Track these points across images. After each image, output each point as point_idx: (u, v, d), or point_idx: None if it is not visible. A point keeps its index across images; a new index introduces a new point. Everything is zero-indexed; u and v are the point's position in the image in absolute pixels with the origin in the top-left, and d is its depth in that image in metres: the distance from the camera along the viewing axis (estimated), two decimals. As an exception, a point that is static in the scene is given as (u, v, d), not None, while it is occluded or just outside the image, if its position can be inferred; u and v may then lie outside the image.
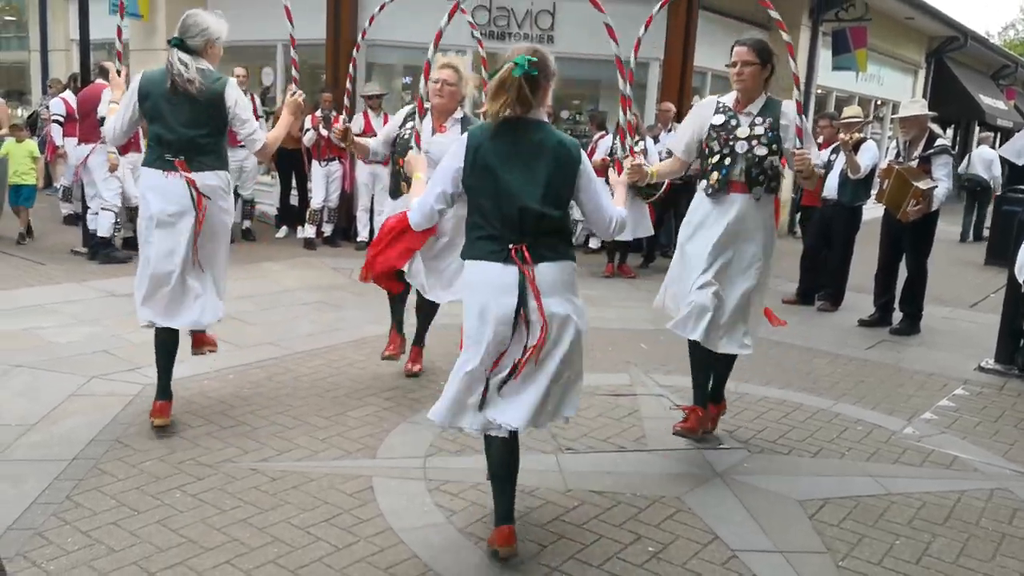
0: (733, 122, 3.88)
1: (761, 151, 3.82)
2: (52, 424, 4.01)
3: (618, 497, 3.56)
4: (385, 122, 9.29)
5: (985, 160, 14.54)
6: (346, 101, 5.34)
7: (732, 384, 5.19)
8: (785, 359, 5.93)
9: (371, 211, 9.49)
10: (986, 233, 13.45)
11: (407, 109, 4.90)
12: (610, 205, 3.07)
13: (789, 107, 3.88)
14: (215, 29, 4.00)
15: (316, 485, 3.53)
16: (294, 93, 4.31)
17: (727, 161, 3.84)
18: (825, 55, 13.27)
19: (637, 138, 8.61)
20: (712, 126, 3.91)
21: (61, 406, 4.24)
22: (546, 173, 2.86)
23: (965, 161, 15.39)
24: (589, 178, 2.95)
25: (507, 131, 2.89)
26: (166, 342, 4.08)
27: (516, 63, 2.80)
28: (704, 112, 4.01)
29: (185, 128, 3.90)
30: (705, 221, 3.94)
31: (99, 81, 8.02)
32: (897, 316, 7.04)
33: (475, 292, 2.90)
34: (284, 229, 10.07)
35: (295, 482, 3.55)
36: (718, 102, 3.98)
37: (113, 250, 8.06)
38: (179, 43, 3.94)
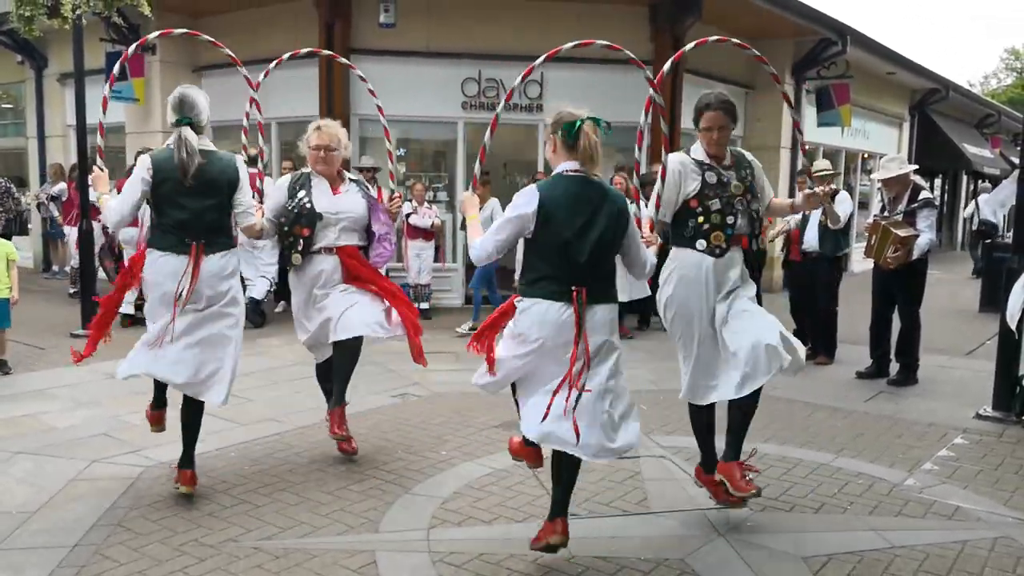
0: (724, 178, 3.84)
1: (756, 204, 3.90)
2: (53, 511, 4.01)
3: (622, 562, 3.55)
4: (379, 195, 9.53)
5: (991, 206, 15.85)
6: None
7: (732, 442, 5.22)
8: (784, 414, 5.95)
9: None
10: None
11: (287, 180, 4.59)
12: (646, 251, 3.65)
13: (753, 157, 4.04)
14: (207, 109, 4.15)
15: (319, 562, 3.53)
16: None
17: (729, 219, 3.79)
18: (810, 112, 13.56)
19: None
20: (707, 184, 3.80)
21: (62, 492, 4.24)
22: (605, 223, 3.34)
23: (972, 206, 16.88)
24: (634, 227, 3.52)
25: (573, 185, 3.34)
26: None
27: (596, 122, 3.33)
28: (685, 172, 3.83)
29: (205, 211, 4.04)
30: (706, 289, 3.80)
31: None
32: (894, 367, 7.07)
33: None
34: (282, 304, 10.15)
35: (298, 559, 3.54)
36: (694, 160, 3.86)
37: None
38: (189, 122, 4.01)
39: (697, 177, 3.82)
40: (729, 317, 3.79)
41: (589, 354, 3.27)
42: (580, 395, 3.25)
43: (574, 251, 3.26)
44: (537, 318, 3.28)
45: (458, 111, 10.54)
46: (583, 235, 3.26)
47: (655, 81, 3.89)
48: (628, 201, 3.48)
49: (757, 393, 3.76)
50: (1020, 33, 66.82)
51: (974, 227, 16.09)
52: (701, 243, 3.80)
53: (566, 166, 3.36)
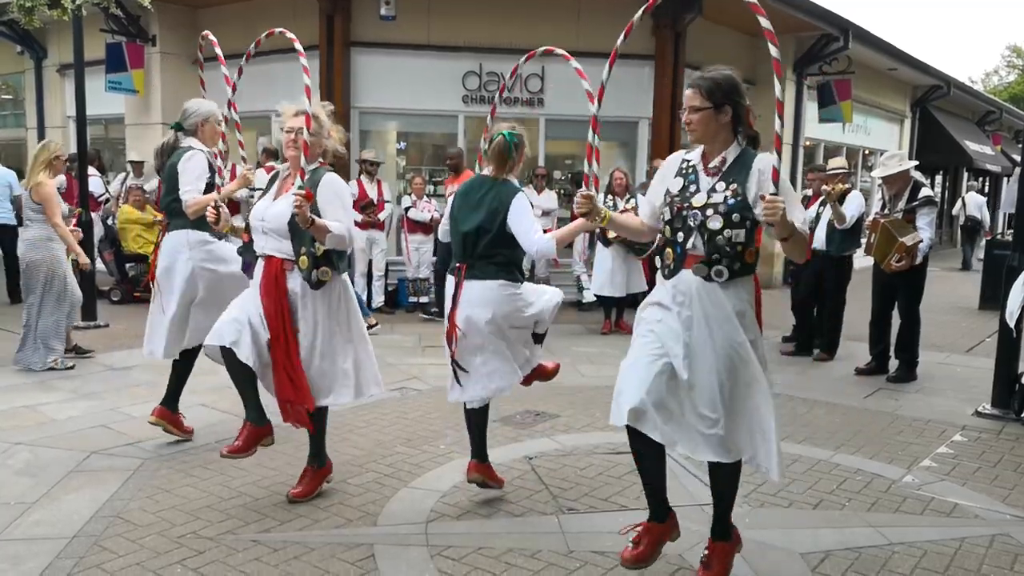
0: (692, 187, 3.18)
1: (715, 223, 3.07)
2: (52, 502, 4.01)
3: (619, 558, 3.55)
4: (379, 189, 9.52)
5: (977, 203, 17.70)
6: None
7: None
8: (783, 410, 5.95)
9: (369, 275, 9.59)
10: (976, 264, 16.00)
11: (266, 176, 4.60)
12: (533, 238, 3.83)
13: (763, 160, 3.11)
14: (204, 111, 4.84)
15: (318, 555, 3.53)
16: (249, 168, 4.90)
17: (679, 235, 3.15)
18: (811, 108, 13.54)
19: (628, 195, 8.77)
20: (668, 192, 3.25)
21: (61, 483, 4.24)
22: (484, 214, 3.88)
23: (959, 204, 18.04)
24: (514, 217, 3.83)
25: (475, 182, 3.96)
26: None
27: (506, 136, 3.86)
28: (667, 172, 3.34)
29: (166, 196, 4.83)
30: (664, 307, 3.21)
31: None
32: (893, 364, 7.08)
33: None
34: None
35: (297, 552, 3.54)
36: (683, 160, 3.30)
37: None
38: (177, 126, 4.82)
39: (671, 179, 3.29)
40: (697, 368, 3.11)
41: (455, 321, 3.90)
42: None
43: (457, 235, 3.97)
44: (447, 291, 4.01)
45: (459, 105, 10.52)
46: (465, 221, 3.91)
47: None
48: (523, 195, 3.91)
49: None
50: (1022, 30, 66.73)
51: (961, 223, 17.27)
52: (659, 260, 3.30)
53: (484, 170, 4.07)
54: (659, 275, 3.30)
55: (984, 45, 77.69)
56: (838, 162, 7.91)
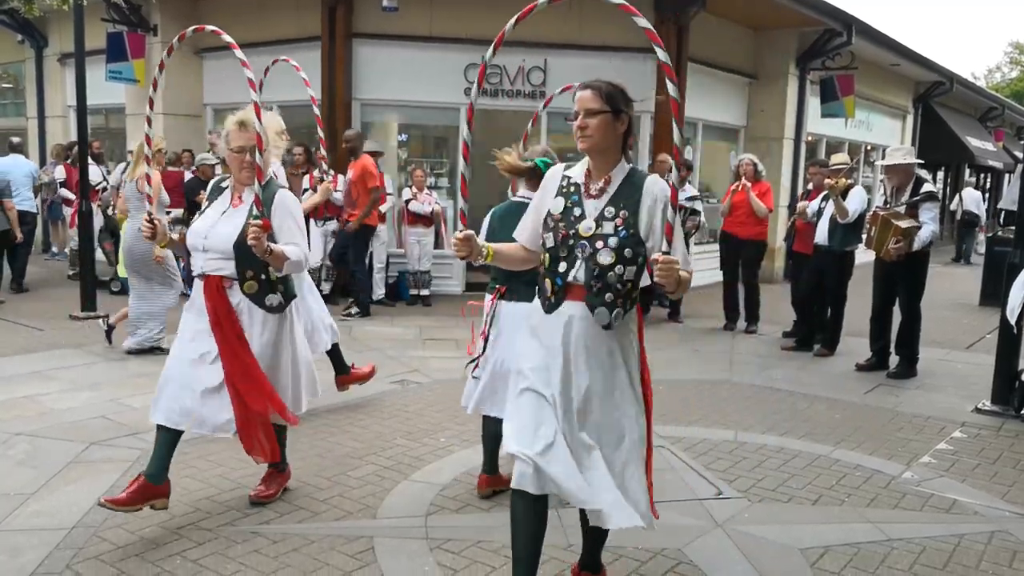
0: (577, 211, 2.83)
1: (605, 258, 2.75)
2: (51, 492, 4.01)
3: (619, 551, 3.55)
4: (381, 180, 9.50)
5: (973, 198, 18.25)
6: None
7: (731, 433, 5.23)
8: (783, 406, 5.95)
9: (370, 267, 9.58)
10: (973, 258, 17.21)
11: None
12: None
13: (656, 185, 2.81)
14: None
15: (317, 547, 3.53)
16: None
17: (562, 266, 2.82)
18: (814, 103, 13.51)
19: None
20: (549, 214, 2.88)
21: (60, 474, 4.24)
22: None
23: (957, 199, 18.43)
24: None
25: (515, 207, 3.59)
26: None
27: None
28: (547, 187, 2.97)
29: None
30: (543, 345, 2.89)
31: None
32: (894, 360, 7.07)
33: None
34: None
35: (296, 544, 3.54)
36: (563, 176, 2.94)
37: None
38: None
39: (551, 199, 2.93)
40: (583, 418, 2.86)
41: (486, 335, 3.91)
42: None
43: None
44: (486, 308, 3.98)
45: (460, 97, 10.47)
46: None
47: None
48: None
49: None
50: (1025, 26, 66.56)
51: (958, 218, 18.11)
52: (539, 290, 2.96)
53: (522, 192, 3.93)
54: (536, 306, 2.96)
55: (987, 41, 77.56)
56: (840, 158, 7.92)
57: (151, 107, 4.01)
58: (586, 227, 2.79)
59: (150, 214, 3.82)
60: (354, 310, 8.90)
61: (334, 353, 5.53)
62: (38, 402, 5.47)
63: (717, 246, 9.47)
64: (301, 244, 3.68)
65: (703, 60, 11.42)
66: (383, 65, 10.40)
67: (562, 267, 2.82)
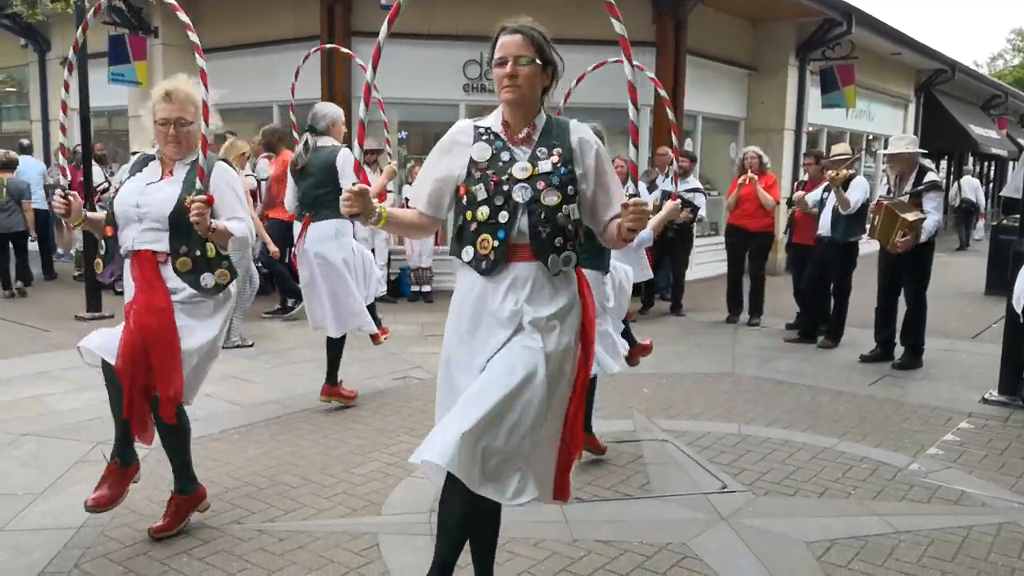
0: (505, 155, 2.62)
1: (551, 198, 2.56)
2: (58, 492, 4.02)
3: (624, 545, 3.55)
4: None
5: (972, 186, 19.09)
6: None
7: (734, 426, 5.23)
8: (787, 398, 5.94)
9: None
10: (973, 245, 18.22)
11: (129, 164, 4.31)
12: None
13: (580, 127, 2.70)
14: (333, 114, 5.43)
15: (322, 544, 3.53)
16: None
17: (503, 216, 2.57)
18: (814, 93, 13.47)
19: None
20: (472, 162, 2.63)
21: (67, 474, 4.25)
22: None
23: (955, 188, 18.67)
24: None
25: None
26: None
27: None
28: (458, 141, 2.72)
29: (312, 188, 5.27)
30: (478, 314, 2.67)
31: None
32: (899, 351, 7.05)
33: None
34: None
35: (301, 542, 3.55)
36: (476, 126, 2.72)
37: None
38: (310, 128, 5.32)
39: (467, 150, 2.67)
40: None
41: None
42: None
43: None
44: None
45: (460, 94, 10.48)
46: None
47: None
48: None
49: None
50: (1027, 14, 66.29)
51: (956, 205, 18.68)
52: (468, 251, 2.66)
53: None
54: (462, 274, 2.69)
55: (989, 29, 77.31)
56: (841, 148, 7.88)
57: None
58: (521, 168, 2.58)
59: (64, 189, 3.42)
60: (290, 302, 8.76)
61: (333, 357, 5.48)
62: (44, 403, 5.49)
63: (719, 239, 9.45)
64: (244, 218, 3.44)
65: (702, 53, 11.38)
66: (382, 63, 10.35)
67: (503, 217, 2.57)
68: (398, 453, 4.66)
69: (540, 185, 2.56)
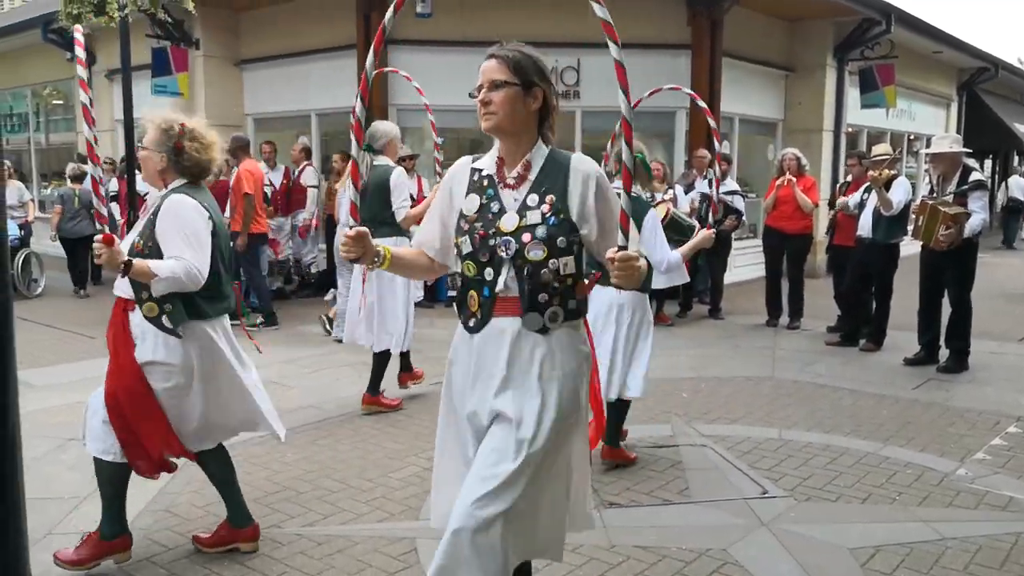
0: (495, 206, 2.40)
1: (535, 253, 2.32)
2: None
3: (663, 551, 3.53)
4: (419, 184, 9.55)
5: (1019, 185, 18.98)
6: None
7: (775, 430, 5.16)
8: (829, 402, 5.85)
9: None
10: (1017, 244, 18.10)
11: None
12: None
13: (583, 163, 2.41)
14: (390, 132, 5.70)
15: (361, 548, 3.56)
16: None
17: (488, 273, 2.37)
18: (853, 94, 13.29)
19: (667, 187, 8.70)
20: (462, 215, 2.44)
21: (112, 478, 4.32)
22: None
23: (1003, 187, 18.91)
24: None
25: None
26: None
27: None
28: (455, 185, 2.53)
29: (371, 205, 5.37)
30: (472, 378, 2.44)
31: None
32: (943, 353, 6.91)
33: None
34: (332, 292, 10.24)
35: (340, 546, 3.58)
36: (472, 169, 2.52)
37: None
38: (368, 148, 5.47)
39: (460, 201, 2.49)
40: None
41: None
42: None
43: None
44: None
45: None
46: None
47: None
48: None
49: None
50: (1074, 9, 64.79)
51: (1004, 205, 18.88)
52: (460, 307, 2.49)
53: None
54: (459, 331, 2.50)
55: (1033, 25, 75.63)
56: (883, 148, 7.76)
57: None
58: (508, 222, 2.36)
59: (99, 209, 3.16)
60: (259, 320, 8.60)
61: (377, 368, 5.69)
62: (89, 409, 5.59)
63: (758, 241, 9.36)
64: (184, 257, 3.09)
65: (738, 54, 11.28)
66: (418, 70, 10.34)
67: (488, 274, 2.37)
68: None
69: (525, 238, 2.33)
